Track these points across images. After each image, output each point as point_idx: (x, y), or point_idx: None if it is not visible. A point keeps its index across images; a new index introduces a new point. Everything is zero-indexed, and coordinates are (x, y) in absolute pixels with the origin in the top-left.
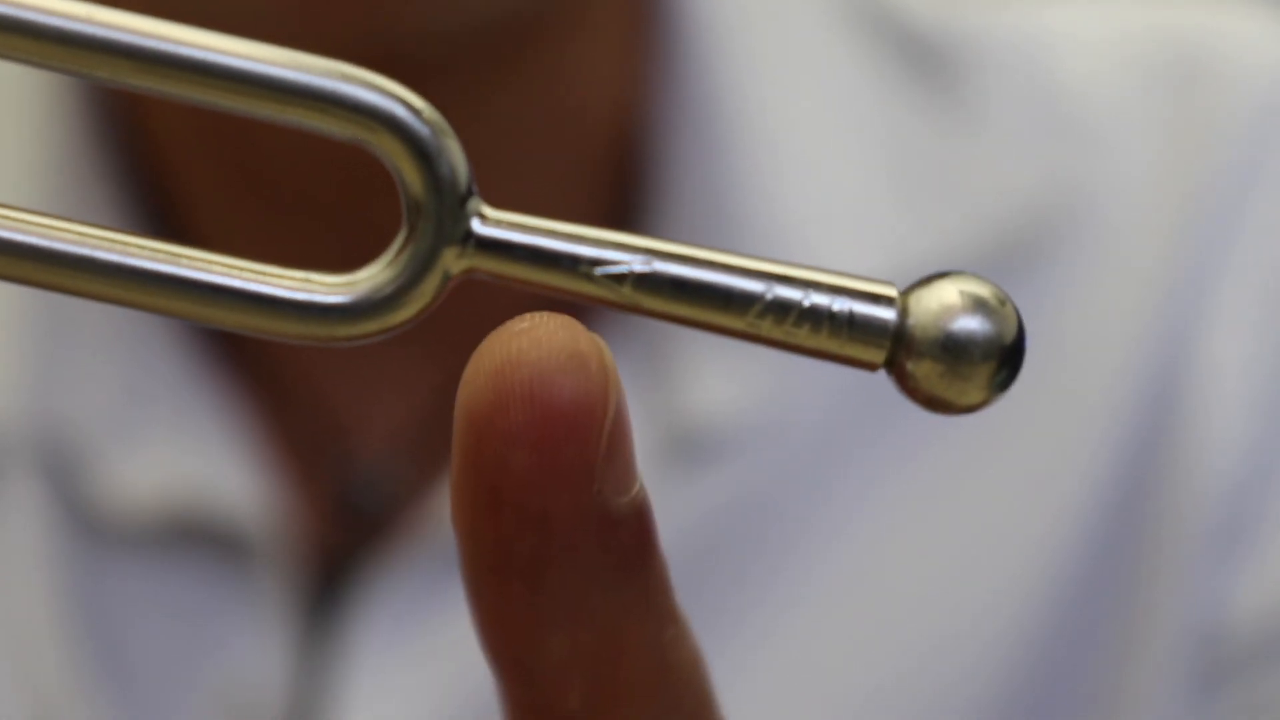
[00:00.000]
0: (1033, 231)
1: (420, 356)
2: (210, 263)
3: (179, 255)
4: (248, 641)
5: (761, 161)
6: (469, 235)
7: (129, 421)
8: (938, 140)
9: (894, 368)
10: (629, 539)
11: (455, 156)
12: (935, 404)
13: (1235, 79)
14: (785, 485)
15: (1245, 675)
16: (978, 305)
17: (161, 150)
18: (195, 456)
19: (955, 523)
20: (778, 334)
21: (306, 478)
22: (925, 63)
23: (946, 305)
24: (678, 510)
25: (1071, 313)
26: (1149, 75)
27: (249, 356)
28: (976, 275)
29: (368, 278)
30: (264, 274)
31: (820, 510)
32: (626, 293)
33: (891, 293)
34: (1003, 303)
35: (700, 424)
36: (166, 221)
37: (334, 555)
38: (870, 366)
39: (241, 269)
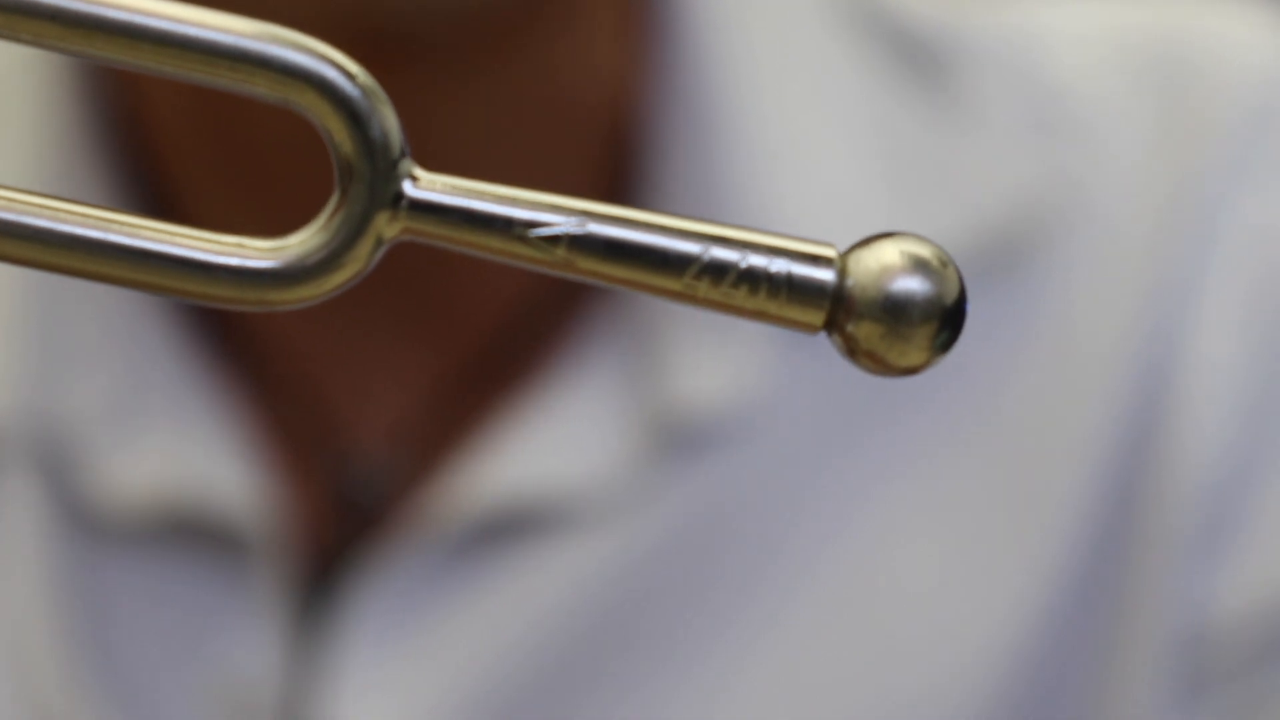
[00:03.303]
0: (1022, 226)
1: (417, 351)
2: (141, 228)
3: (110, 220)
4: (242, 636)
5: (754, 151)
6: (401, 198)
7: (124, 417)
8: (928, 134)
9: (834, 329)
10: None
11: (387, 119)
12: (875, 365)
13: (1225, 78)
14: (777, 475)
15: (1230, 677)
16: (918, 265)
17: (153, 132)
18: (190, 452)
19: (944, 523)
20: (715, 296)
21: (302, 472)
22: (917, 58)
23: (886, 265)
24: (669, 501)
25: (1060, 308)
26: (1140, 72)
27: (245, 351)
28: (918, 236)
29: (299, 243)
30: (196, 239)
31: (812, 502)
32: (561, 254)
33: (830, 253)
34: (944, 264)
35: (690, 413)
36: (158, 202)
37: (328, 550)
38: (810, 328)
39: (173, 234)
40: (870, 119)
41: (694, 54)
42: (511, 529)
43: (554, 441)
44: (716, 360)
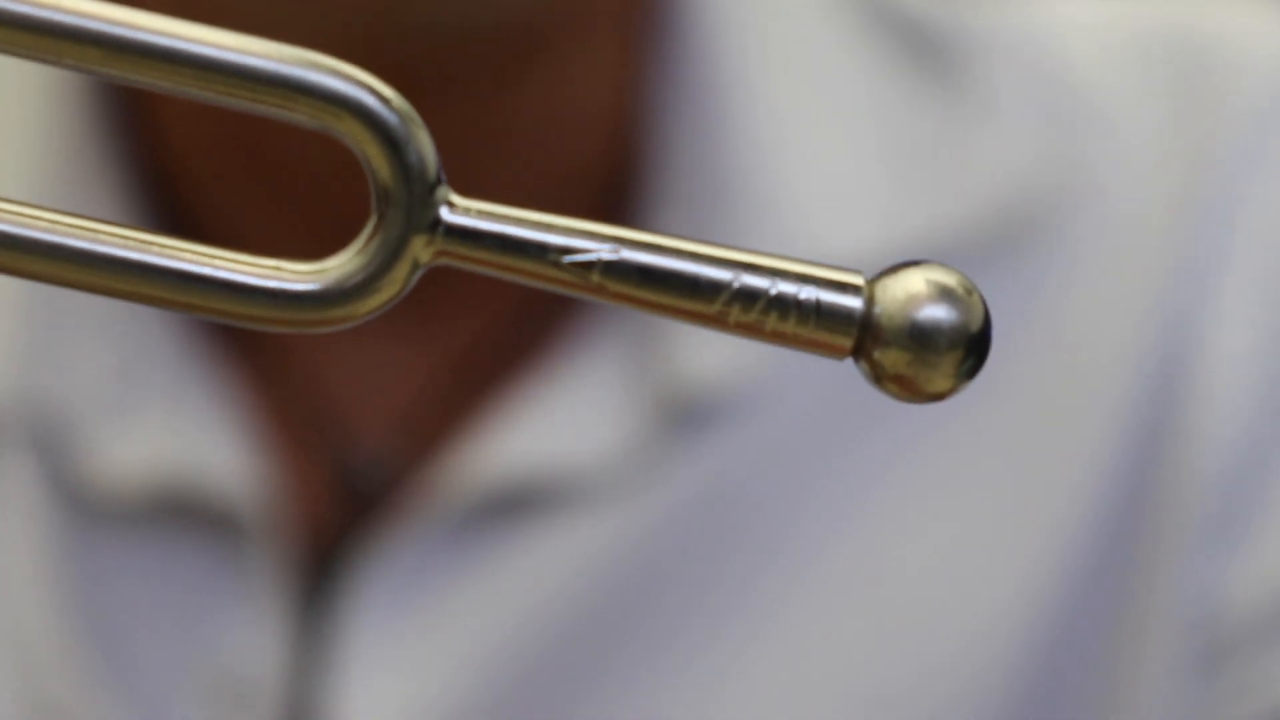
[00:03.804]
0: (1033, 213)
1: (420, 333)
2: (181, 250)
3: (150, 243)
4: (241, 621)
5: (760, 148)
6: (438, 223)
7: (122, 399)
8: (937, 125)
9: (861, 356)
10: None
11: (424, 145)
12: (902, 392)
13: (1238, 68)
14: (783, 452)
15: (1240, 658)
16: (944, 294)
17: (170, 142)
18: (189, 434)
19: (956, 505)
20: (746, 322)
21: (302, 456)
22: (924, 51)
23: (913, 294)
24: (675, 478)
25: (1072, 295)
26: (1152, 62)
27: (244, 332)
28: (944, 264)
29: (337, 266)
30: (234, 261)
31: (819, 480)
32: (594, 280)
33: (858, 281)
34: (969, 292)
35: (695, 390)
36: (173, 214)
37: (329, 534)
38: (838, 354)
39: (212, 256)
40: (878, 113)
41: (701, 53)
42: (515, 508)
43: (558, 420)
44: (720, 338)
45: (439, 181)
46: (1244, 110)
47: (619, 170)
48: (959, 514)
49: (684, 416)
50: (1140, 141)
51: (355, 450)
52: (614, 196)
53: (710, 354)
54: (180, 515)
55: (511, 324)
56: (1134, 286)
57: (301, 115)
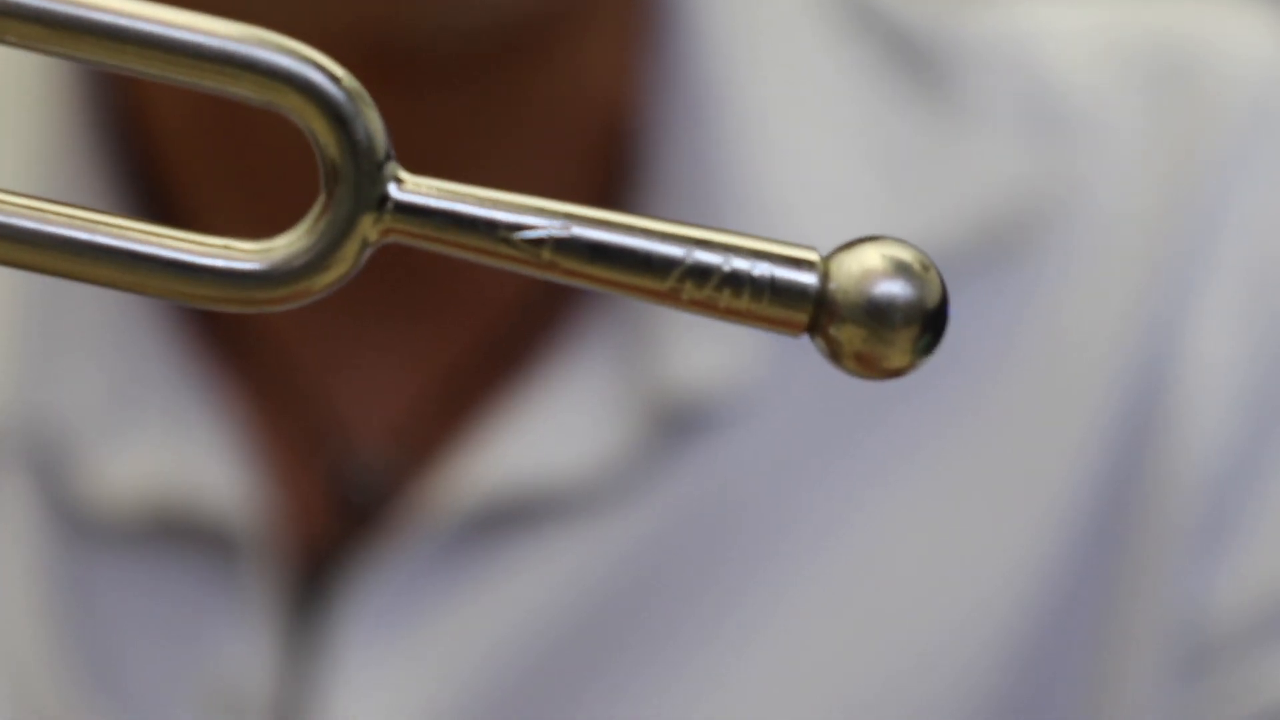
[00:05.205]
0: (1019, 220)
1: (412, 347)
2: (128, 230)
3: (97, 222)
4: (235, 635)
5: (751, 152)
6: (386, 200)
7: (116, 417)
8: (923, 132)
9: (817, 332)
10: None
11: (373, 122)
12: (859, 368)
13: (1223, 74)
14: (775, 458)
15: (1225, 662)
16: (900, 270)
17: (156, 136)
18: (183, 451)
19: (944, 511)
20: (700, 298)
21: (296, 470)
22: (911, 58)
23: (868, 269)
24: (668, 485)
25: (1058, 301)
26: (1136, 68)
27: (239, 349)
28: (901, 240)
29: (285, 245)
30: (183, 240)
31: (811, 484)
32: (545, 257)
33: (813, 257)
34: (926, 268)
35: (686, 396)
36: (160, 207)
37: (323, 548)
38: (793, 331)
39: (160, 235)
40: (865, 119)
41: (692, 58)
42: (507, 520)
43: (550, 431)
44: (711, 343)
45: (387, 158)
46: (1229, 117)
47: (610, 171)
48: (947, 520)
49: (675, 424)
50: (1125, 148)
51: (349, 464)
52: (609, 194)
53: (700, 361)
54: (175, 531)
55: (503, 335)
56: (1120, 294)
57: (246, 91)
